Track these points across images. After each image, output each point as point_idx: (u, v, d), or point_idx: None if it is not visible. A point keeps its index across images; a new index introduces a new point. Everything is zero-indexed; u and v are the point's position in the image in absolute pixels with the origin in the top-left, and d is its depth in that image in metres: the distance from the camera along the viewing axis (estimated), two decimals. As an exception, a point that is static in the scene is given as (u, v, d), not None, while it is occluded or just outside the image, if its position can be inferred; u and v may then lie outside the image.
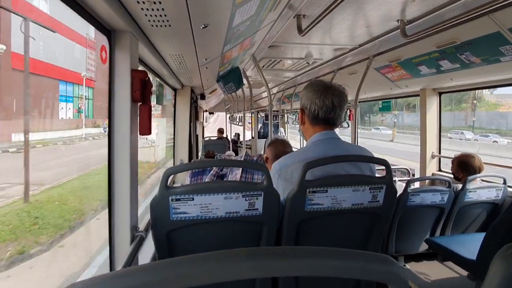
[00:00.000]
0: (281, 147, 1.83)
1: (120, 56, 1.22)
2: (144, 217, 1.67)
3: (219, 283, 0.36)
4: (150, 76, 1.70)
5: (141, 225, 1.43)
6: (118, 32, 1.21)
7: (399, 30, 2.06)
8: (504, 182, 2.19)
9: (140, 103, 1.30)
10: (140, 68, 1.66)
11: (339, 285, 1.26)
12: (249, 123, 9.42)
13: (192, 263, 0.35)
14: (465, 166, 2.30)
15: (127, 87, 1.22)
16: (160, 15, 1.16)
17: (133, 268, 0.35)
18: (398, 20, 2.06)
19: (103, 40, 1.25)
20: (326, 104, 1.23)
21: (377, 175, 1.29)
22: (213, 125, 26.22)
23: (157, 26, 1.28)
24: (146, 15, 1.16)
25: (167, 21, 1.22)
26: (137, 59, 1.34)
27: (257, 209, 1.08)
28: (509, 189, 2.22)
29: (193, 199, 1.03)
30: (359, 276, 0.39)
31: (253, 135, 8.73)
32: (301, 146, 6.08)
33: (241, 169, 1.64)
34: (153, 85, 1.44)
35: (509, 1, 1.45)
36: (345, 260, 0.38)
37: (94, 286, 0.33)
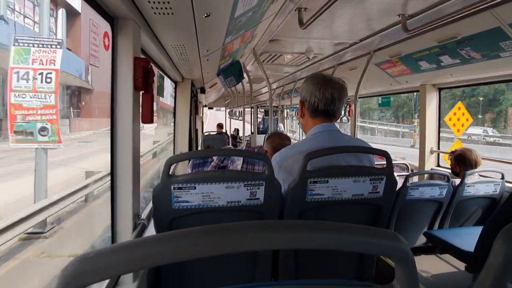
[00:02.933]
0: (279, 140, 1.84)
1: (123, 43, 1.21)
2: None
3: (223, 256, 0.36)
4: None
5: (143, 214, 1.43)
6: (121, 19, 1.21)
7: (400, 24, 2.06)
8: (502, 177, 2.21)
9: (142, 91, 1.30)
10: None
11: (339, 264, 1.26)
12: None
13: (201, 235, 0.36)
14: (462, 160, 2.31)
15: (129, 75, 1.22)
16: (163, 2, 1.16)
17: (144, 239, 0.35)
18: (399, 15, 2.06)
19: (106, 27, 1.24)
20: (325, 97, 1.23)
21: None
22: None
23: (160, 14, 1.27)
24: (149, 1, 1.15)
25: (170, 8, 1.22)
26: (139, 47, 1.33)
27: (259, 198, 1.08)
28: (506, 184, 2.24)
29: (194, 187, 1.04)
30: (365, 251, 0.39)
31: (252, 130, 8.71)
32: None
33: (241, 160, 1.65)
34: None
35: None
36: (352, 234, 0.38)
37: (105, 256, 0.34)
